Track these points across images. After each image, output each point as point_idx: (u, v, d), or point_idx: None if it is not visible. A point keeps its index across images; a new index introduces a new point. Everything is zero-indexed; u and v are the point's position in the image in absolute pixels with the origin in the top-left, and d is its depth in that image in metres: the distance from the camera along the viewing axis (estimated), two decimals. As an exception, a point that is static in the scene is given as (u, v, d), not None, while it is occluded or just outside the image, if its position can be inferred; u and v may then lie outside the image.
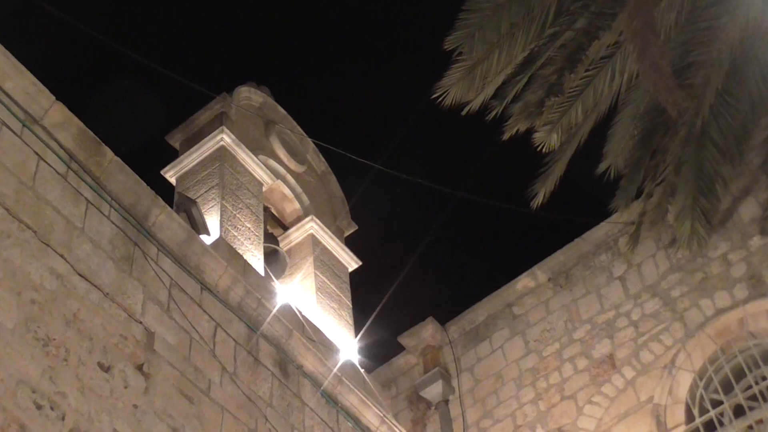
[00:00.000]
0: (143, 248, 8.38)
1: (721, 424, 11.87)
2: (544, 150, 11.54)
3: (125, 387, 7.28)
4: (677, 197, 11.29)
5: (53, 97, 7.96)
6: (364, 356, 11.58)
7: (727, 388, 12.11)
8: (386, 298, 12.68)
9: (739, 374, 12.12)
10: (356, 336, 11.58)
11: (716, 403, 12.00)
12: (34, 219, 7.31)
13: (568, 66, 11.03)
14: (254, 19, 26.32)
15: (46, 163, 7.79)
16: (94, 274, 7.62)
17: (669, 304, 12.90)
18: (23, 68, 7.81)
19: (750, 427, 11.61)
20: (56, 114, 7.97)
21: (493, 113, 11.41)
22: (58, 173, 7.86)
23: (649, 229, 11.66)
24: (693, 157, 11.24)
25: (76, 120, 8.11)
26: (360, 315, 12.23)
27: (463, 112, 11.29)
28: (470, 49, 10.97)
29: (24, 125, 7.75)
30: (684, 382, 12.23)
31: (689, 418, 11.98)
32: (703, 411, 12.03)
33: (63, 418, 6.57)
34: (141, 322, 7.85)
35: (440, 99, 11.06)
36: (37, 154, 7.73)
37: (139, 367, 7.54)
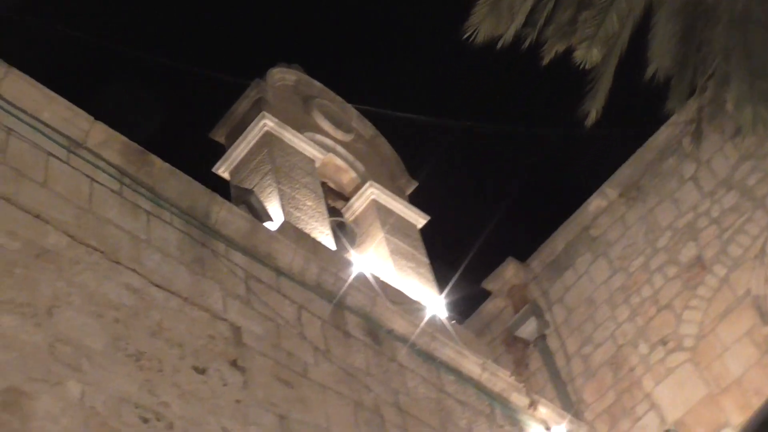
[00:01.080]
0: (211, 247, 8.45)
1: (823, 301, 11.81)
2: (587, 66, 11.41)
3: (224, 385, 7.35)
4: (732, 85, 11.10)
5: (92, 118, 8.01)
6: (452, 310, 11.58)
7: (824, 263, 12.04)
8: (474, 250, 12.75)
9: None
10: (440, 291, 11.58)
11: (816, 282, 11.94)
12: (99, 240, 7.39)
13: (595, -23, 10.93)
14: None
15: (99, 183, 7.86)
16: (169, 281, 7.70)
17: (747, 194, 12.79)
18: (56, 95, 7.88)
19: None
20: (98, 134, 8.03)
21: (528, 41, 11.31)
22: (113, 191, 7.93)
23: (711, 123, 11.50)
24: (740, 41, 11.03)
25: (118, 135, 8.17)
26: (438, 268, 12.26)
27: (498, 46, 11.21)
28: (492, -20, 10.91)
29: (69, 151, 7.83)
30: (778, 266, 12.13)
31: (791, 301, 11.92)
32: (802, 292, 11.96)
33: (171, 427, 6.66)
34: (225, 319, 7.92)
35: (471, 38, 10.98)
36: (88, 176, 7.80)
37: (233, 363, 7.61)
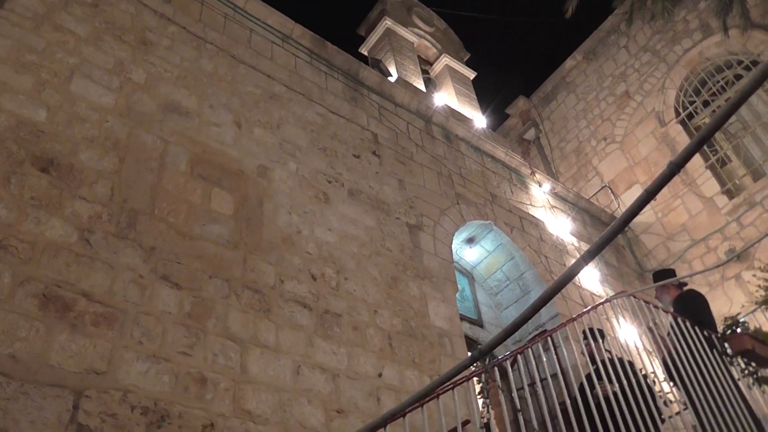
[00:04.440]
0: (359, 91, 8.38)
1: (696, 113, 11.34)
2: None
3: (369, 164, 7.45)
4: (650, -10, 10.50)
5: (293, 21, 7.90)
6: (489, 124, 11.40)
7: (696, 92, 11.51)
8: (501, 91, 12.40)
9: (703, 82, 11.52)
10: (483, 113, 11.38)
11: (691, 103, 11.42)
12: (301, 88, 7.40)
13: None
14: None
15: (300, 58, 7.81)
16: (339, 109, 7.71)
17: (655, 54, 12.22)
18: (274, 9, 7.77)
19: (713, 111, 11.08)
20: (297, 30, 7.92)
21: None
22: (306, 62, 7.88)
23: (637, 13, 10.84)
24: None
25: (308, 31, 8.04)
26: (481, 101, 12.01)
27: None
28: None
29: (283, 40, 7.77)
30: (671, 94, 11.67)
31: (677, 114, 11.48)
32: (684, 108, 11.49)
33: (343, 185, 6.83)
34: (368, 129, 7.94)
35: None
36: (293, 54, 7.76)
37: (374, 152, 7.67)
